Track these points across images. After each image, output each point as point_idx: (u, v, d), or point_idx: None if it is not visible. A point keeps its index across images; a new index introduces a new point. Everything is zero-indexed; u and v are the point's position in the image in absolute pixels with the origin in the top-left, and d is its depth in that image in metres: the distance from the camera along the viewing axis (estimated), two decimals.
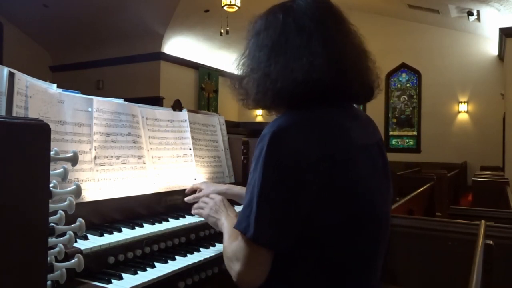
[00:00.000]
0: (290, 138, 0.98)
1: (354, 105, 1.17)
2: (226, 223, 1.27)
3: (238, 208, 1.45)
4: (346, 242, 1.01)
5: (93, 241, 1.21)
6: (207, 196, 1.50)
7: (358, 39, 1.12)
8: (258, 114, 12.87)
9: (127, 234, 1.31)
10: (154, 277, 1.18)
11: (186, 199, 1.69)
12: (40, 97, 1.29)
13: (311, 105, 1.03)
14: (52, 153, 0.90)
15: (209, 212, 1.39)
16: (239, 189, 1.65)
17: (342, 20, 1.11)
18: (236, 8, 7.26)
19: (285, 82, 1.02)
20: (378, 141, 1.14)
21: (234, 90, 1.17)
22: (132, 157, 1.60)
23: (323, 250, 1.00)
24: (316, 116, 1.03)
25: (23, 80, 1.22)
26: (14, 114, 1.16)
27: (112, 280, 1.12)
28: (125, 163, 1.56)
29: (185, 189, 1.79)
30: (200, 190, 1.69)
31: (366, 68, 1.11)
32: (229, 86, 1.18)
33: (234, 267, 1.01)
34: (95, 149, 1.47)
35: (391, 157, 6.28)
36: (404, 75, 11.58)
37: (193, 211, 1.52)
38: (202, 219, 1.59)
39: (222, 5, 7.22)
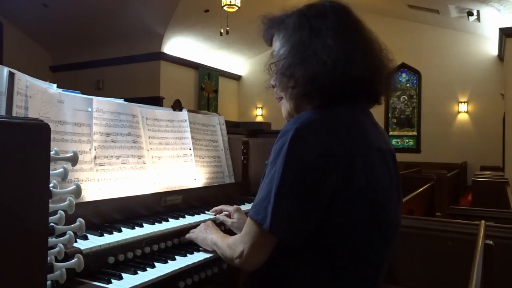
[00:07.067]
0: (313, 135, 1.00)
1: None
2: (216, 237, 1.32)
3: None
4: (359, 241, 1.03)
5: (93, 241, 1.20)
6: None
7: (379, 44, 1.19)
8: (258, 114, 12.86)
9: (127, 234, 1.31)
10: (154, 277, 1.18)
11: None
12: (40, 97, 1.29)
13: (337, 104, 1.07)
14: (52, 153, 0.90)
15: (198, 232, 1.44)
16: None
17: (363, 27, 1.17)
18: (236, 8, 7.27)
19: (322, 77, 1.05)
20: (391, 149, 1.17)
21: (274, 75, 1.16)
22: (132, 157, 1.60)
23: (335, 247, 1.01)
24: (338, 115, 1.06)
25: (23, 80, 1.22)
26: (14, 114, 1.16)
27: (112, 280, 1.12)
28: (125, 163, 1.56)
29: (185, 189, 1.79)
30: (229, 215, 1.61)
31: (391, 72, 1.20)
32: (267, 69, 1.19)
33: (237, 249, 1.05)
34: (95, 149, 1.47)
35: None
36: (404, 75, 11.57)
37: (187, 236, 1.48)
38: (202, 218, 1.59)
39: (222, 5, 7.23)
